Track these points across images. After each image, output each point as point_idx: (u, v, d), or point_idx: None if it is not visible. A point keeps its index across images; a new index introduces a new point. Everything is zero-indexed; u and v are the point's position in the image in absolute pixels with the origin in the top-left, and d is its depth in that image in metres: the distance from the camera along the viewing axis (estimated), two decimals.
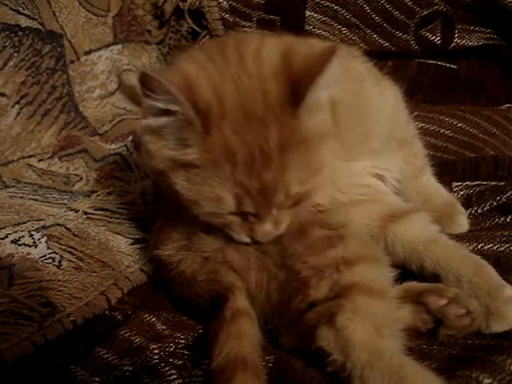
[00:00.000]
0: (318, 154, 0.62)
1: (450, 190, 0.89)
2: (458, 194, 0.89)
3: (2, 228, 0.83)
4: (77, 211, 0.91)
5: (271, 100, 0.59)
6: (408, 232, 0.71)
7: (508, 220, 0.81)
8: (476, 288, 0.65)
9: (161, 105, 0.59)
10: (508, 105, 1.14)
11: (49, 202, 0.96)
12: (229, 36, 0.73)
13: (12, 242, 0.80)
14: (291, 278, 0.64)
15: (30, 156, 1.10)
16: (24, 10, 1.12)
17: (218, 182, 0.60)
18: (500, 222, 0.82)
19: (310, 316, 0.61)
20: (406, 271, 0.70)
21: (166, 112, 0.60)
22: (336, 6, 1.16)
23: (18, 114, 1.10)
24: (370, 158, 0.75)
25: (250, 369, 0.59)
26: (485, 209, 0.84)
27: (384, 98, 0.76)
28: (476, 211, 0.85)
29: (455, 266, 0.67)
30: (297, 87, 0.58)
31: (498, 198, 0.84)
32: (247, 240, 0.66)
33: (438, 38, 1.15)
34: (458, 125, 1.03)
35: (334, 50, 0.58)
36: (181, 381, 0.62)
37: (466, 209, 0.84)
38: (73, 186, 1.04)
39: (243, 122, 0.59)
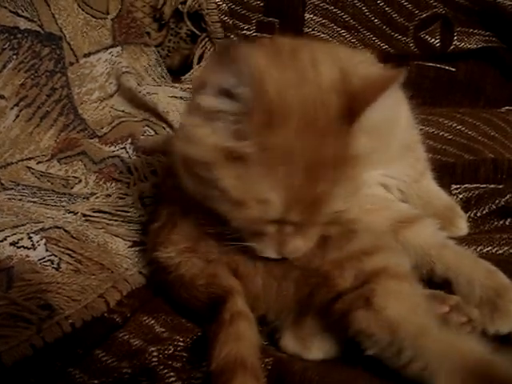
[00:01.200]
0: (361, 175, 0.62)
1: (450, 192, 0.89)
2: (457, 197, 0.89)
3: (1, 230, 0.83)
4: (75, 213, 0.91)
5: (330, 113, 0.58)
6: (419, 237, 0.71)
7: (507, 223, 0.82)
8: (487, 289, 0.65)
9: (230, 85, 0.56)
10: (507, 107, 1.15)
11: (47, 205, 0.96)
12: (276, 40, 0.70)
13: (11, 244, 0.80)
14: (308, 275, 0.64)
15: (29, 158, 1.10)
16: (23, 12, 1.12)
17: (270, 184, 0.57)
18: (499, 225, 0.82)
19: (339, 306, 0.61)
20: None
21: (230, 95, 0.56)
22: (335, 8, 1.17)
23: (17, 116, 1.10)
24: (382, 166, 0.75)
25: (249, 370, 0.58)
26: (484, 212, 0.85)
27: (399, 106, 0.76)
28: (475, 214, 0.85)
29: (467, 271, 0.67)
30: (355, 106, 0.58)
31: (497, 201, 0.84)
32: (273, 255, 0.63)
33: (438, 41, 1.15)
34: (457, 127, 1.04)
35: (399, 75, 0.58)
36: (180, 383, 0.62)
37: (465, 212, 0.84)
38: (72, 188, 1.04)
39: (305, 128, 0.57)
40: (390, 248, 0.66)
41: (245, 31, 1.22)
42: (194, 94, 0.61)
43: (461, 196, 0.89)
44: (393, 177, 0.77)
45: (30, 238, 0.81)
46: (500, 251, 0.74)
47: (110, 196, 0.97)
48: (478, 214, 0.85)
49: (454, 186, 0.91)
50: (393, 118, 0.71)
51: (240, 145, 0.57)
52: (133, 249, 0.86)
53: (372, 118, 0.59)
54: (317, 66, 0.61)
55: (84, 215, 0.90)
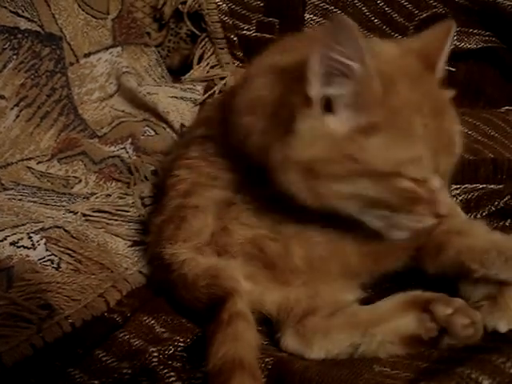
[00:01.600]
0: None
1: (449, 193, 0.89)
2: (457, 198, 0.89)
3: (1, 230, 0.83)
4: (75, 213, 0.91)
5: (417, 68, 0.63)
6: None
7: (507, 224, 0.82)
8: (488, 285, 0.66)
9: (346, 61, 0.56)
10: (507, 107, 1.14)
11: (48, 204, 0.96)
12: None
13: (11, 244, 0.80)
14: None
15: (29, 158, 1.10)
16: (23, 12, 1.12)
17: (414, 140, 0.58)
18: (499, 226, 0.82)
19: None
20: (408, 279, 0.70)
21: (343, 74, 0.57)
22: (335, 8, 1.17)
23: (17, 116, 1.10)
24: None
25: (247, 371, 0.58)
26: (483, 214, 0.85)
27: None
28: (475, 216, 0.85)
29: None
30: (431, 56, 0.64)
31: (496, 202, 0.84)
32: (431, 220, 0.61)
33: None
34: None
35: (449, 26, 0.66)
36: (180, 383, 0.62)
37: (465, 214, 0.84)
38: (72, 188, 1.04)
39: (411, 82, 0.60)
40: None
41: (245, 31, 1.22)
42: (307, 86, 0.58)
43: (460, 198, 0.89)
44: None
45: (30, 237, 0.81)
46: None
47: (110, 196, 0.97)
48: (478, 216, 0.85)
49: (453, 186, 0.91)
50: None
51: (369, 117, 0.58)
52: (133, 248, 0.86)
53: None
54: (379, 46, 0.65)
55: (84, 215, 0.90)
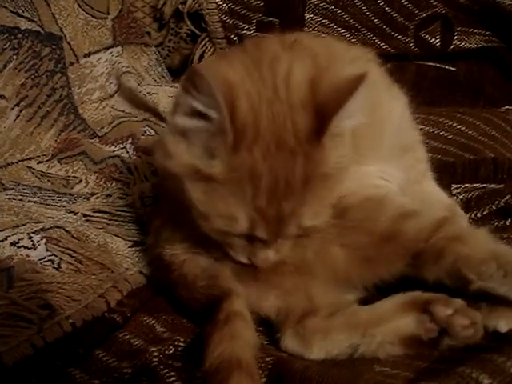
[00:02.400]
0: (334, 190, 0.63)
1: (450, 192, 0.89)
2: (458, 197, 0.89)
3: (1, 230, 0.83)
4: (76, 213, 0.91)
5: (299, 130, 0.59)
6: None
7: (507, 223, 0.81)
8: None
9: (200, 107, 0.57)
10: (507, 107, 1.14)
11: (48, 205, 0.96)
12: (262, 44, 0.71)
13: (11, 244, 0.80)
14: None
15: (30, 158, 1.10)
16: (23, 12, 1.12)
17: (236, 202, 0.60)
18: (499, 225, 0.82)
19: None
20: (407, 279, 0.70)
21: (201, 115, 0.58)
22: (335, 8, 1.17)
23: (18, 116, 1.10)
24: (377, 163, 0.75)
25: (244, 370, 0.58)
26: (484, 213, 0.85)
27: (393, 105, 0.77)
28: (475, 215, 0.85)
29: None
30: (322, 117, 0.58)
31: (497, 201, 0.84)
32: (245, 261, 0.66)
33: (438, 40, 1.15)
34: (458, 127, 1.04)
35: (362, 79, 0.57)
36: (180, 382, 0.62)
37: (466, 213, 0.84)
38: (72, 188, 1.04)
39: (273, 149, 0.59)
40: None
41: (245, 31, 1.22)
42: (172, 112, 0.63)
43: (461, 197, 0.89)
44: (390, 174, 0.77)
45: (30, 237, 0.81)
46: None
47: (110, 196, 0.97)
48: (479, 215, 0.85)
49: (454, 186, 0.91)
50: (372, 97, 0.69)
51: (210, 164, 0.59)
52: (133, 248, 0.86)
53: (346, 123, 0.60)
54: (289, 81, 0.62)
55: (84, 215, 0.90)
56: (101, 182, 1.04)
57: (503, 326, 0.63)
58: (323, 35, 1.19)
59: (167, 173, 0.64)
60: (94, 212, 0.91)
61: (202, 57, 1.27)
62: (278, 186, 0.59)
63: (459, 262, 0.64)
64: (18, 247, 0.79)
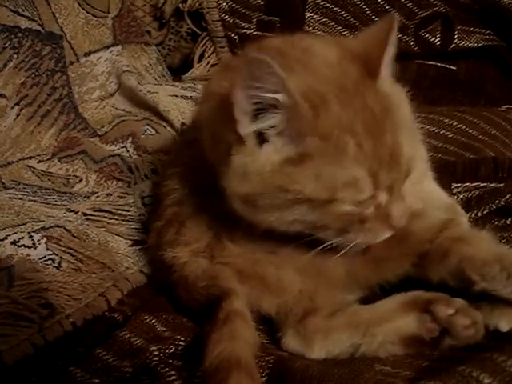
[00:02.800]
0: (408, 118, 0.63)
1: (450, 191, 0.89)
2: (458, 197, 0.89)
3: (2, 229, 0.83)
4: (76, 212, 0.91)
5: (355, 78, 0.60)
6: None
7: (508, 222, 0.81)
8: None
9: (269, 95, 0.55)
10: (508, 106, 1.14)
11: (48, 204, 0.96)
12: (265, 43, 0.69)
13: (12, 243, 0.80)
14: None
15: (30, 157, 1.10)
16: (23, 11, 1.12)
17: (348, 163, 0.57)
18: (500, 224, 0.82)
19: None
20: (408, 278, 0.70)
21: (269, 107, 0.56)
22: (336, 7, 1.17)
23: (18, 115, 1.10)
24: None
25: (243, 369, 0.58)
26: (484, 212, 0.85)
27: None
28: (476, 215, 0.85)
29: None
30: (370, 61, 0.61)
31: (497, 201, 0.84)
32: (387, 233, 0.62)
33: (438, 40, 1.15)
34: (458, 126, 1.03)
35: (392, 27, 0.61)
36: (180, 381, 0.62)
37: (466, 212, 0.84)
38: (72, 187, 1.04)
39: (344, 96, 0.58)
40: None
41: (245, 30, 1.22)
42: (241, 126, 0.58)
43: (461, 196, 0.89)
44: None
45: (30, 236, 0.81)
46: None
47: (110, 195, 0.97)
48: (479, 214, 0.85)
49: (454, 185, 0.91)
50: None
51: (299, 146, 0.57)
52: (133, 247, 0.86)
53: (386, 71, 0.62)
54: (319, 51, 0.63)
55: (85, 214, 0.90)
56: (101, 181, 1.04)
57: (504, 325, 0.63)
58: (323, 34, 1.18)
59: (251, 198, 0.59)
60: (95, 211, 0.91)
61: (202, 56, 1.27)
62: (371, 125, 0.58)
63: (463, 263, 0.64)
64: (19, 246, 0.79)
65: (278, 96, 0.55)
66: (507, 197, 0.84)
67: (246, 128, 0.57)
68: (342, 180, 0.57)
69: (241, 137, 0.58)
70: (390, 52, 0.62)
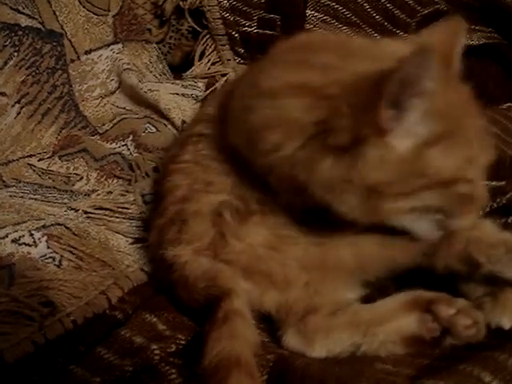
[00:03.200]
0: None
1: None
2: None
3: (3, 227, 0.83)
4: (77, 210, 0.91)
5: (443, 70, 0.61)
6: None
7: (509, 221, 0.81)
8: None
9: (430, 83, 0.55)
10: (509, 104, 1.14)
11: (49, 202, 0.96)
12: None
13: (12, 241, 0.80)
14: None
15: (31, 155, 1.10)
16: (24, 9, 1.12)
17: (468, 143, 0.61)
18: (501, 222, 0.82)
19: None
20: (409, 278, 0.70)
21: (417, 95, 0.56)
22: (337, 4, 1.16)
23: (18, 113, 1.10)
24: None
25: (243, 368, 0.58)
26: (486, 211, 0.84)
27: None
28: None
29: None
30: (447, 56, 0.64)
31: (499, 200, 0.84)
32: (476, 216, 0.65)
33: None
34: None
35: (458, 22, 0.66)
36: (181, 380, 0.62)
37: None
38: (73, 185, 1.04)
39: (449, 84, 0.61)
40: None
41: (246, 28, 1.22)
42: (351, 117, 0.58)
43: None
44: None
45: (31, 235, 0.81)
46: None
47: (111, 193, 0.97)
48: (480, 213, 0.85)
49: None
50: None
51: (432, 129, 0.58)
52: (134, 246, 0.86)
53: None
54: (397, 49, 0.64)
55: (85, 212, 0.90)
56: (102, 179, 1.04)
57: (506, 323, 0.63)
58: (325, 32, 1.18)
59: (381, 187, 0.59)
60: (95, 209, 0.91)
61: (202, 54, 1.27)
62: (470, 109, 0.63)
63: (470, 246, 0.65)
64: (19, 244, 0.79)
65: (429, 84, 0.55)
66: (509, 195, 0.84)
67: (392, 120, 0.57)
68: (465, 158, 0.60)
69: (381, 128, 0.57)
70: (460, 48, 0.66)
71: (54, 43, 1.16)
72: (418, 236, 0.65)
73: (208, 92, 1.20)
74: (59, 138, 1.13)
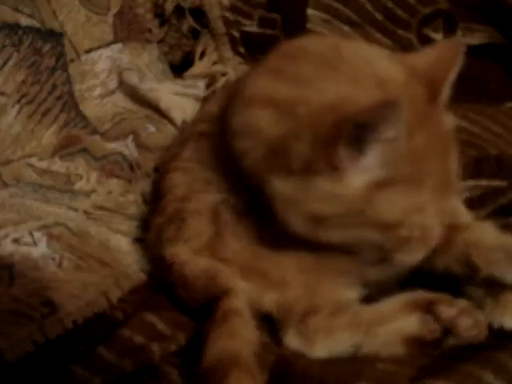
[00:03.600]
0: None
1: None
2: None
3: (2, 227, 0.83)
4: (77, 210, 0.91)
5: (422, 100, 0.60)
6: None
7: (510, 222, 0.81)
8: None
9: (394, 133, 0.54)
10: (511, 104, 1.14)
11: (49, 202, 0.96)
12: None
13: (12, 241, 0.80)
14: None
15: (31, 155, 1.09)
16: (24, 8, 1.11)
17: (424, 190, 0.58)
18: (502, 223, 0.81)
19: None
20: (410, 279, 0.70)
21: (376, 141, 0.55)
22: (338, 4, 1.16)
23: (18, 113, 1.10)
24: None
25: (243, 368, 0.58)
26: (487, 210, 0.84)
27: None
28: (479, 213, 0.84)
29: None
30: (436, 84, 0.62)
31: (500, 200, 0.84)
32: (422, 254, 0.63)
33: (441, 37, 1.15)
34: (461, 124, 1.03)
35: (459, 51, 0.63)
36: (182, 380, 0.62)
37: (469, 211, 0.84)
38: (73, 185, 1.04)
39: (422, 121, 0.59)
40: None
41: (247, 27, 1.22)
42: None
43: (463, 195, 0.88)
44: None
45: (31, 235, 0.81)
46: None
47: (111, 193, 0.97)
48: (482, 213, 0.84)
49: None
50: None
51: (388, 172, 0.57)
52: (134, 246, 0.86)
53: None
54: (383, 67, 0.62)
55: (85, 212, 0.90)
56: (102, 179, 1.04)
57: (509, 322, 0.63)
58: (325, 31, 1.18)
59: (323, 218, 0.59)
60: (96, 209, 0.91)
61: (203, 53, 1.27)
62: (440, 151, 0.60)
63: (469, 249, 0.65)
64: (19, 244, 0.79)
65: (392, 135, 0.54)
66: (510, 195, 0.84)
67: (348, 160, 0.56)
68: (413, 205, 0.58)
69: (335, 165, 0.56)
70: (453, 75, 0.63)
71: (54, 43, 1.16)
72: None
73: (208, 91, 1.20)
74: (59, 137, 1.13)
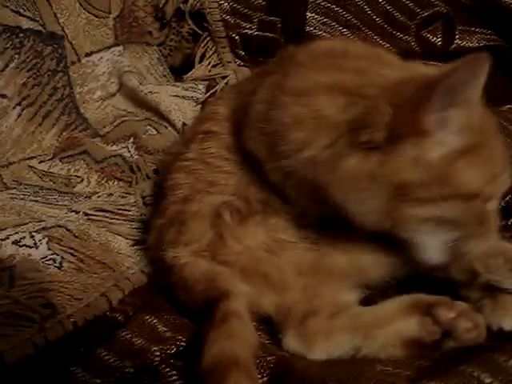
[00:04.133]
0: None
1: None
2: None
3: (3, 229, 0.83)
4: (78, 212, 0.91)
5: None
6: None
7: (509, 223, 0.81)
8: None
9: (476, 95, 0.58)
10: (509, 106, 1.14)
11: (50, 204, 0.96)
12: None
13: (13, 243, 0.80)
14: None
15: (31, 157, 1.10)
16: (25, 11, 1.12)
17: (497, 160, 0.62)
18: (501, 224, 0.82)
19: None
20: (410, 282, 0.70)
21: (461, 104, 0.58)
22: (337, 7, 1.16)
23: (19, 115, 1.10)
24: None
25: (242, 369, 0.58)
26: None
27: None
28: None
29: None
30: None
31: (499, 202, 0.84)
32: (486, 244, 0.64)
33: (439, 40, 1.15)
34: None
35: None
36: (182, 382, 0.62)
37: None
38: (74, 187, 1.04)
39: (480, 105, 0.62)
40: None
41: (247, 30, 1.22)
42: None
43: None
44: None
45: (32, 236, 0.81)
46: None
47: (111, 195, 0.97)
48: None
49: None
50: None
51: (466, 140, 0.59)
52: (135, 247, 0.87)
53: None
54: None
55: (86, 214, 0.90)
56: (102, 181, 1.04)
57: (507, 324, 0.63)
58: (324, 34, 1.18)
59: (409, 187, 0.59)
60: (96, 211, 0.91)
61: (203, 56, 1.27)
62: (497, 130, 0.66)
63: (469, 255, 0.65)
64: (20, 246, 0.80)
65: (474, 96, 0.57)
66: (508, 197, 0.84)
67: (435, 124, 0.58)
68: (490, 176, 0.61)
69: (422, 129, 0.58)
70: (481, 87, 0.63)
71: (55, 45, 1.16)
72: (422, 255, 0.64)
73: (208, 94, 1.20)
74: (60, 140, 1.14)
